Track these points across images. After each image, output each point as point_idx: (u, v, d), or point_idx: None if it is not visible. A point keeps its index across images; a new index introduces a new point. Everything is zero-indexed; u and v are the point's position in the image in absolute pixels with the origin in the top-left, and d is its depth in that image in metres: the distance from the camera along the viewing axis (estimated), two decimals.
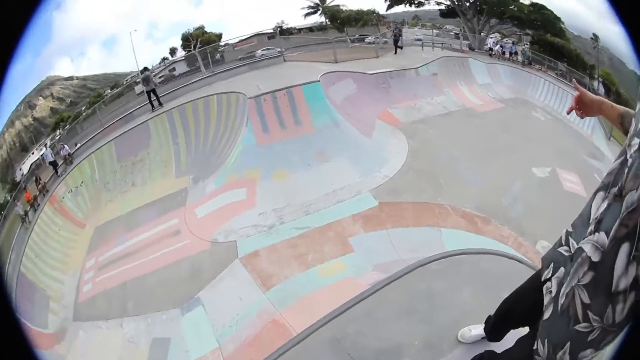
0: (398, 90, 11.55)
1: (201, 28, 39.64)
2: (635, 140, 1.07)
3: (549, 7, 17.68)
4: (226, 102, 10.77)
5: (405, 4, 34.50)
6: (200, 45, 33.27)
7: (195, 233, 7.87)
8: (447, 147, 8.86)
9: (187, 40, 38.85)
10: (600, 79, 14.66)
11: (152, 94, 13.23)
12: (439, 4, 34.13)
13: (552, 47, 18.43)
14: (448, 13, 35.49)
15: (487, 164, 8.39)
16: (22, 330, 0.63)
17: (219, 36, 40.41)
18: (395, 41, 17.01)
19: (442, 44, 21.16)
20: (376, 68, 12.41)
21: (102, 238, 9.91)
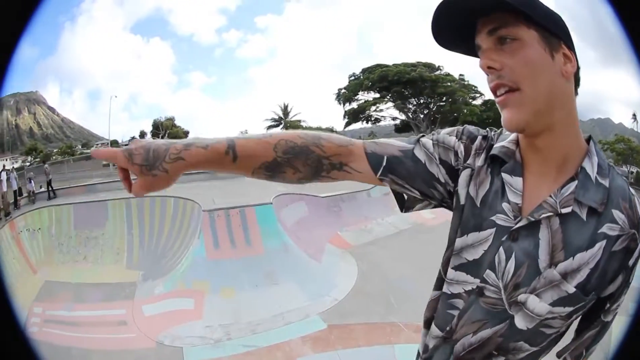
0: (349, 213, 11.96)
1: (172, 119, 40.82)
2: (470, 279, 0.91)
3: None
4: (182, 207, 10.91)
5: (362, 121, 37.19)
6: (168, 138, 34.05)
7: (142, 329, 7.70)
8: (397, 267, 9.03)
9: (157, 127, 39.64)
10: None
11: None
12: (394, 119, 36.94)
13: None
14: (403, 128, 38.22)
15: (435, 277, 8.51)
16: (22, 330, 0.62)
17: (186, 133, 41.61)
18: None
19: None
20: (329, 190, 12.77)
21: (50, 294, 9.67)
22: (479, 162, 0.92)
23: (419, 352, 1.07)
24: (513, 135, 0.91)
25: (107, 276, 10.13)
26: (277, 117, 46.52)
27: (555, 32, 0.81)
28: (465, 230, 0.91)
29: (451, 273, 0.95)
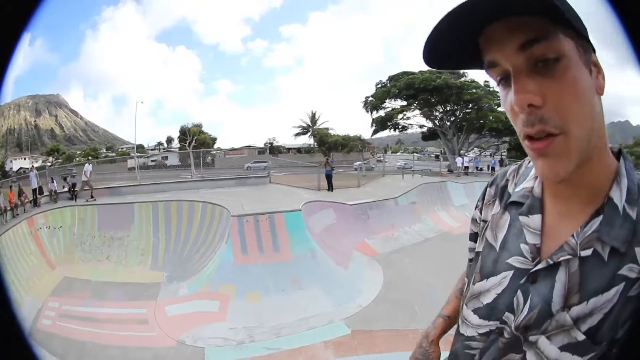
0: (376, 220, 11.94)
1: (199, 126, 41.53)
2: (485, 323, 0.89)
3: None
4: (210, 212, 11.02)
5: (390, 129, 37.01)
6: (195, 144, 34.62)
7: (163, 328, 7.85)
8: (423, 275, 9.00)
9: (184, 133, 40.47)
10: None
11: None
12: (421, 127, 36.58)
13: None
14: (430, 135, 37.86)
15: None
16: (22, 330, 0.60)
17: (214, 140, 42.21)
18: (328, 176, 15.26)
19: (422, 170, 22.22)
20: (357, 198, 12.94)
21: (69, 289, 9.94)
22: (493, 210, 0.91)
23: None
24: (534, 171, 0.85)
25: (130, 276, 10.37)
26: (305, 125, 46.79)
27: (586, 35, 0.67)
28: (484, 275, 0.88)
29: (467, 312, 0.92)
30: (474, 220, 1.00)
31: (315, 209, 10.73)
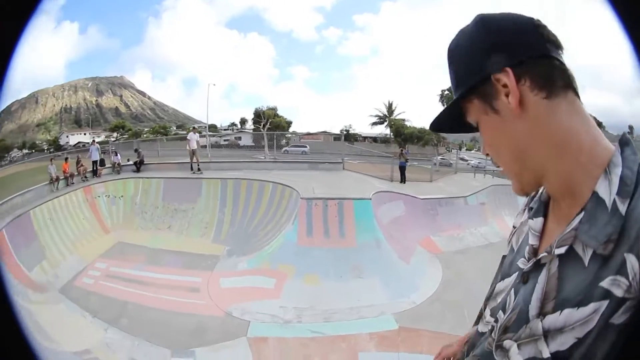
0: (444, 218, 11.69)
1: (274, 109, 42.34)
2: (491, 321, 0.89)
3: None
4: (280, 193, 11.26)
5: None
6: (270, 127, 35.25)
7: (213, 298, 8.19)
8: (480, 281, 8.60)
9: (258, 116, 41.48)
10: None
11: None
12: None
13: None
14: None
15: None
16: (22, 330, 0.59)
17: (289, 123, 42.76)
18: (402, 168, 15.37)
19: (493, 170, 21.36)
20: (428, 192, 12.73)
21: (121, 253, 10.57)
22: (523, 217, 0.92)
23: None
24: None
25: (189, 246, 10.79)
26: (381, 115, 46.29)
27: (481, 74, 0.73)
28: (502, 276, 0.89)
29: (486, 311, 0.93)
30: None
31: (385, 199, 10.65)
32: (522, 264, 0.80)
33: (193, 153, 14.42)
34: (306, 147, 25.56)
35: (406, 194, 11.82)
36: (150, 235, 11.58)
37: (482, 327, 0.92)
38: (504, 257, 0.95)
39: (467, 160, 30.01)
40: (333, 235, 9.09)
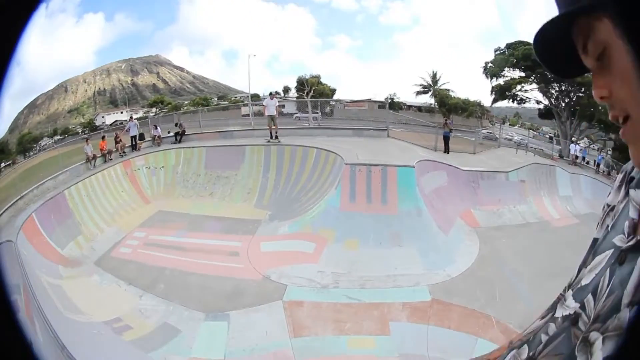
0: (485, 192, 11.60)
1: (317, 77, 42.09)
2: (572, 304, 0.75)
3: None
4: (324, 159, 11.34)
5: (509, 100, 34.51)
6: (314, 94, 35.16)
7: (252, 262, 8.36)
8: (514, 260, 8.70)
9: (301, 84, 41.43)
10: None
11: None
12: (538, 102, 33.80)
13: None
14: (545, 114, 34.95)
15: (546, 283, 7.42)
16: (21, 331, 0.58)
17: (333, 91, 42.48)
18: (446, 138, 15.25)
19: (535, 148, 20.92)
20: (471, 164, 12.64)
21: (162, 221, 10.82)
22: (619, 196, 0.77)
23: None
24: None
25: (231, 212, 11.01)
26: (426, 84, 45.41)
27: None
28: (594, 255, 0.75)
29: (568, 294, 0.79)
30: (603, 209, 0.83)
31: (428, 168, 10.59)
32: (620, 240, 0.67)
33: (272, 119, 13.47)
34: (318, 112, 25.26)
35: (449, 164, 11.73)
36: (191, 202, 11.86)
37: (557, 312, 0.80)
38: (595, 240, 0.79)
39: (511, 137, 29.31)
40: (375, 202, 9.16)
